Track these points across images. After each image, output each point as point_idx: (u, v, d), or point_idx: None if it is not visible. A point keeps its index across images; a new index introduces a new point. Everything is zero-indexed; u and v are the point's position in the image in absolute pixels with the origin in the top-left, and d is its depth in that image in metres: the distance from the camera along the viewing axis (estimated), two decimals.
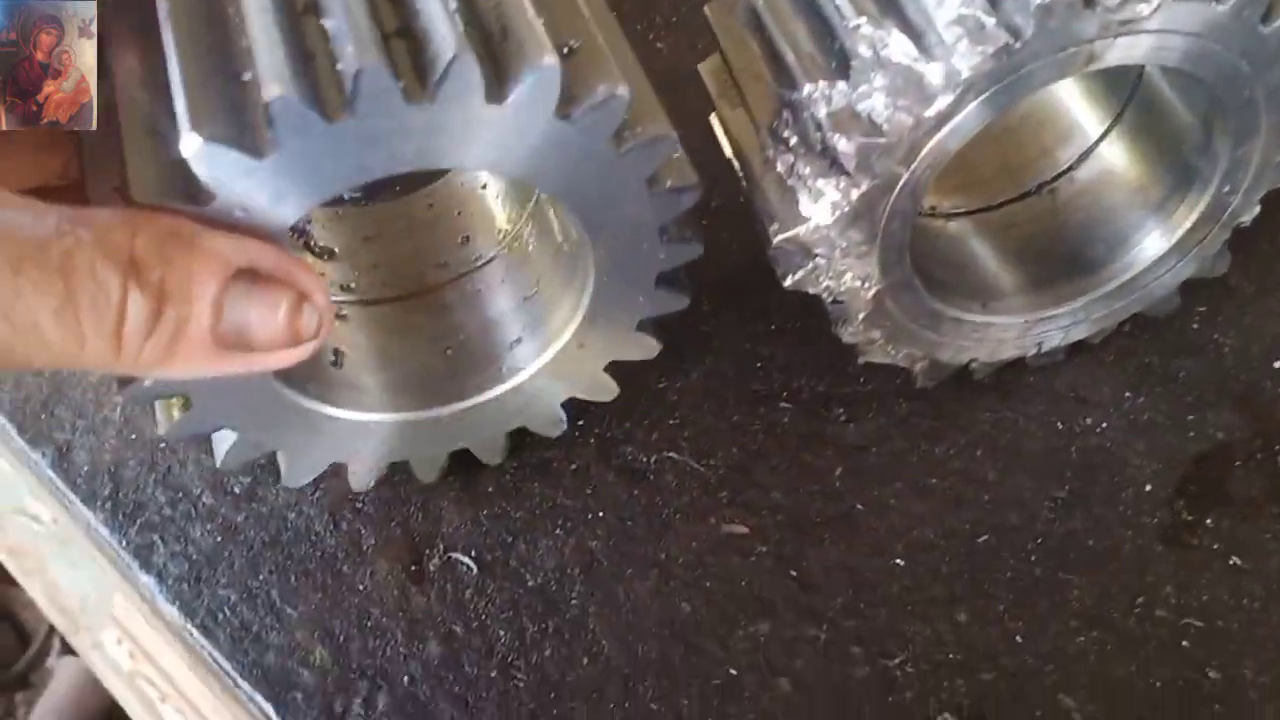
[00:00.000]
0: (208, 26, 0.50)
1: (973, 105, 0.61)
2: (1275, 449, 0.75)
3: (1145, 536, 0.72)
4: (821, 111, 0.63)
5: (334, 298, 0.73)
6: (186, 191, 0.49)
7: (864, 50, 0.62)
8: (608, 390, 0.73)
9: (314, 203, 0.52)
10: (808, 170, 0.65)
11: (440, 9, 0.48)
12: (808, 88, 0.63)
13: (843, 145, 0.62)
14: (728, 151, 0.74)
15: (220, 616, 0.71)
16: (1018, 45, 0.58)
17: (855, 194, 0.63)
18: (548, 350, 0.68)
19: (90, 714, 2.14)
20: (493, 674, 0.68)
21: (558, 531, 0.73)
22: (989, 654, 0.68)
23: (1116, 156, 0.77)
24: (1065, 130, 0.79)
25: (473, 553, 0.72)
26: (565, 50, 0.54)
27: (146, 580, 0.72)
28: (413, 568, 0.72)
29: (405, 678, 0.68)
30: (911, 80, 0.60)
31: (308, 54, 0.48)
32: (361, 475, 0.72)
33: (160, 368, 0.51)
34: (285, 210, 0.51)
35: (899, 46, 0.61)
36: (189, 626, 0.71)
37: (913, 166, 0.63)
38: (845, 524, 0.73)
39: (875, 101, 0.61)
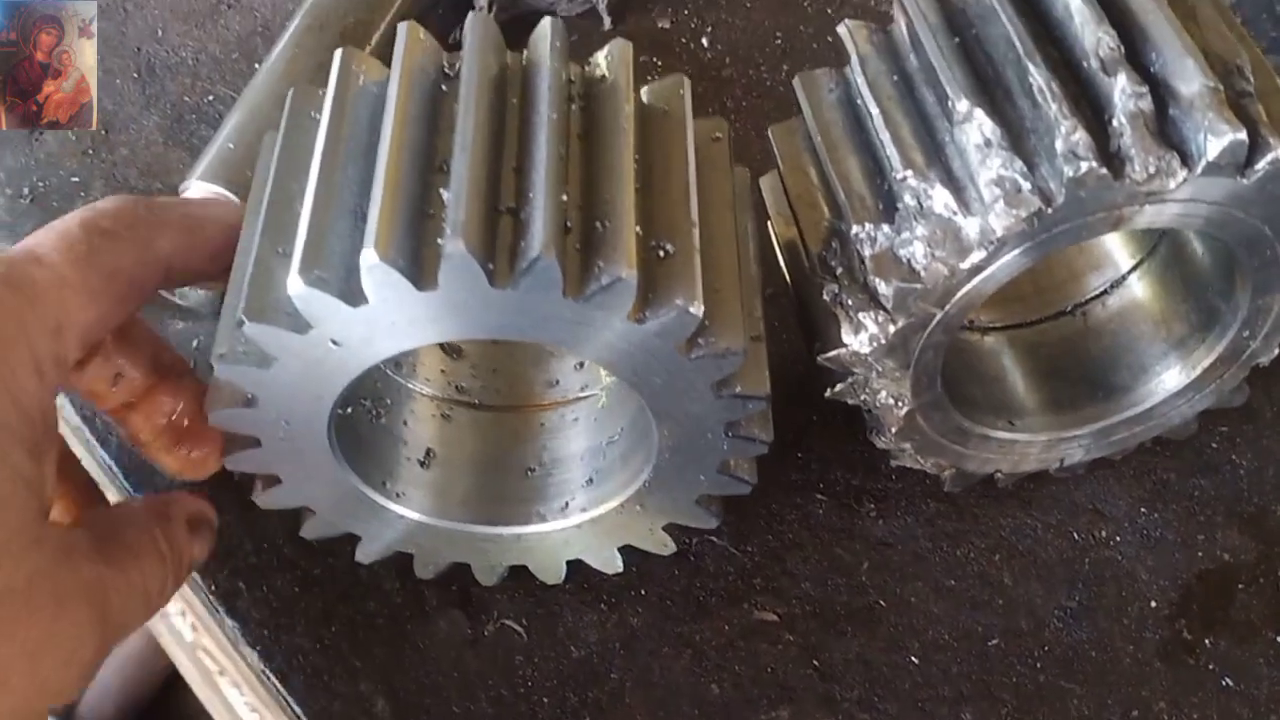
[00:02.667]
0: (351, 163, 0.56)
1: (1005, 258, 0.66)
2: (1278, 573, 0.80)
3: (1145, 652, 0.77)
4: (866, 251, 0.69)
5: (445, 396, 0.78)
6: (291, 319, 0.56)
7: (909, 199, 0.67)
8: (665, 546, 0.76)
9: (402, 349, 0.58)
10: (850, 302, 0.70)
11: (549, 200, 0.53)
12: (855, 228, 0.69)
13: (882, 288, 0.67)
14: (780, 260, 0.80)
15: (296, 662, 0.78)
16: (1049, 210, 0.64)
17: (892, 329, 0.69)
18: (607, 502, 0.72)
19: (154, 675, 2.26)
20: None
21: (602, 606, 0.79)
22: None
23: (1144, 290, 0.82)
24: (1099, 258, 0.84)
25: (524, 621, 0.79)
26: (660, 252, 0.57)
27: (231, 624, 0.80)
28: (468, 631, 0.78)
29: None
30: (950, 232, 0.66)
31: (424, 214, 0.54)
32: (425, 568, 0.78)
33: None
34: (373, 351, 0.57)
35: (940, 199, 0.66)
36: (267, 670, 0.78)
37: (947, 308, 0.68)
38: (868, 618, 0.79)
39: (915, 249, 0.67)
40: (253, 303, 0.56)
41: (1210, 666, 0.76)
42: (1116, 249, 0.83)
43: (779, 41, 1.08)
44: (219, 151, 0.91)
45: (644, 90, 0.68)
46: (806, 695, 0.76)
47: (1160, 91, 0.65)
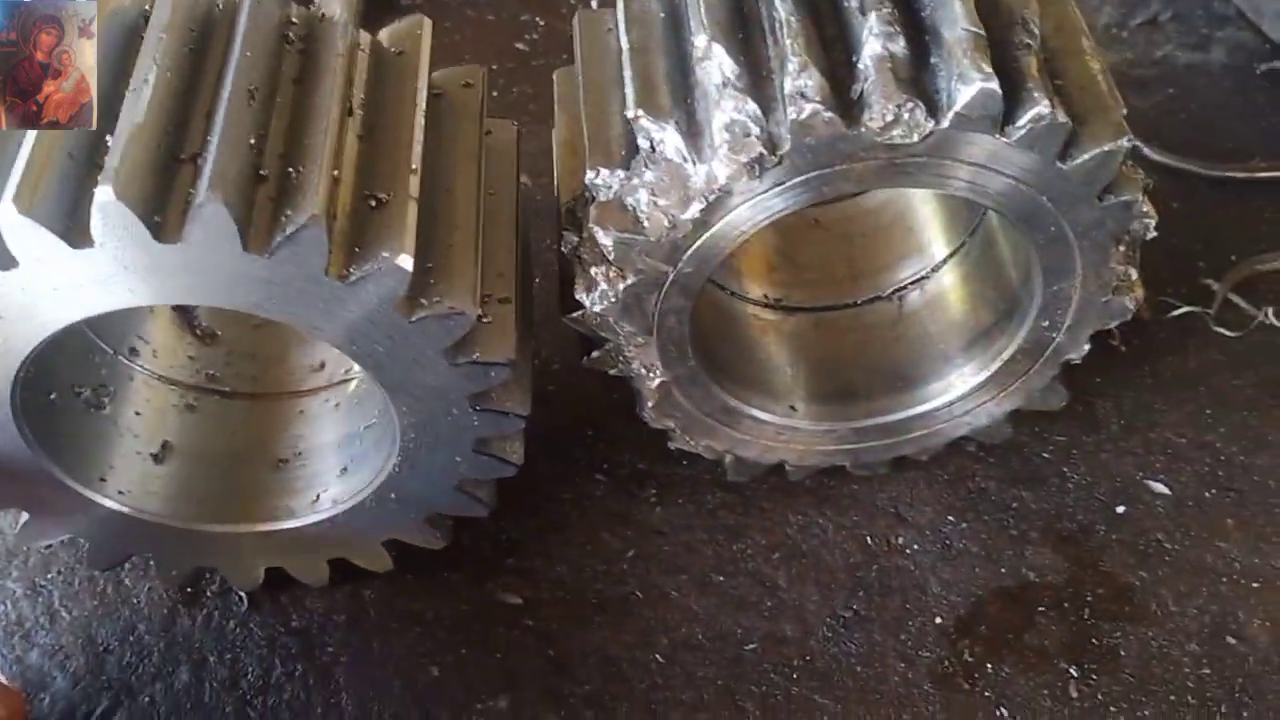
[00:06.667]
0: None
1: (734, 213, 0.59)
2: (1086, 599, 0.71)
3: (917, 672, 0.69)
4: (600, 198, 0.62)
5: (192, 384, 0.72)
6: None
7: (642, 142, 0.61)
8: (435, 540, 0.70)
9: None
10: (585, 256, 0.64)
11: (228, 143, 0.49)
12: (588, 174, 0.62)
13: (601, 237, 0.61)
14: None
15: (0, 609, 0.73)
16: (774, 158, 0.57)
17: (622, 286, 0.62)
18: (359, 494, 0.66)
19: None
20: (227, 709, 0.68)
21: (336, 573, 0.73)
22: None
23: (956, 278, 0.75)
24: (916, 246, 0.77)
25: None
26: (373, 201, 0.52)
27: None
28: (188, 589, 0.73)
29: (146, 698, 0.69)
30: (678, 179, 0.59)
31: (94, 165, 0.49)
32: (167, 571, 0.72)
33: None
34: (91, 301, 0.51)
35: (672, 143, 0.59)
36: None
37: (679, 265, 0.61)
38: (619, 610, 0.72)
39: (640, 197, 0.60)
40: None
41: (986, 694, 0.68)
42: (933, 238, 0.76)
43: None
44: None
45: (382, 32, 0.63)
46: (531, 686, 0.69)
47: (927, 39, 0.58)
